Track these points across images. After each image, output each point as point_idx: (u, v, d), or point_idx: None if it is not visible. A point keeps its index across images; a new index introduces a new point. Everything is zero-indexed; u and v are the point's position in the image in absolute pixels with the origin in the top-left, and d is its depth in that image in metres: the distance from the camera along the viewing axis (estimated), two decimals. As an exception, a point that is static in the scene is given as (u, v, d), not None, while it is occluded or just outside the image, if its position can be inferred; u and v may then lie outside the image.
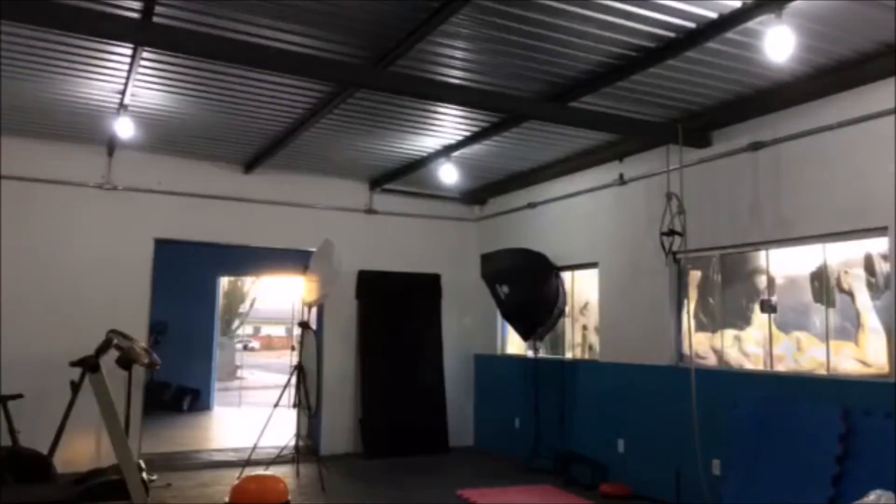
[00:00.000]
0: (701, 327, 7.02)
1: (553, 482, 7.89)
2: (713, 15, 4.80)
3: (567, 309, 8.76)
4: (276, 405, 7.96)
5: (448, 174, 8.45)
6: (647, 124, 6.89)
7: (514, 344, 9.82)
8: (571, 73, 5.90)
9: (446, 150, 8.18)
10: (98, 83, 6.33)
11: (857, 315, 5.73)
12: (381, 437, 9.23)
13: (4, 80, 6.21)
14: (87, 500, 5.26)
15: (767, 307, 6.41)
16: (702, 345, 6.98)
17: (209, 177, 8.98)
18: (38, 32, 5.25)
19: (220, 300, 17.35)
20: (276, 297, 30.29)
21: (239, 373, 23.87)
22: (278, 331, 41.09)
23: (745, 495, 5.73)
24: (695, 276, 7.15)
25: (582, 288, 8.89)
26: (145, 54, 5.65)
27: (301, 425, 9.35)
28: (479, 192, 10.42)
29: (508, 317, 9.04)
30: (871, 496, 4.53)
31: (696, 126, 6.82)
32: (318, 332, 9.42)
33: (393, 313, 9.71)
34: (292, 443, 8.35)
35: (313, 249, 9.73)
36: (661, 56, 5.38)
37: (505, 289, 8.73)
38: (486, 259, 9.37)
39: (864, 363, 5.66)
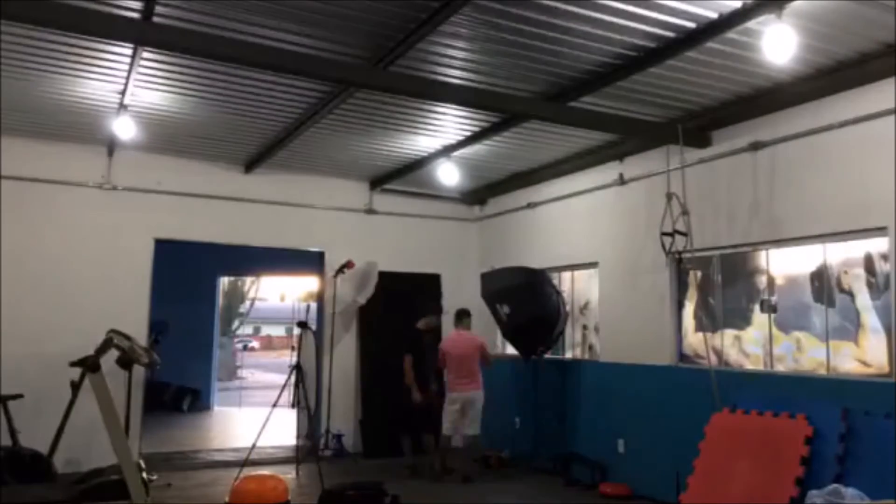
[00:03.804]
0: (701, 327, 7.01)
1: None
2: (713, 15, 4.81)
3: (567, 308, 8.73)
4: (274, 405, 7.96)
5: (448, 174, 8.45)
6: (647, 124, 6.89)
7: (514, 344, 9.80)
8: (571, 73, 5.90)
9: (446, 150, 8.18)
10: (98, 83, 6.33)
11: (857, 315, 5.73)
12: (381, 437, 9.23)
13: (4, 80, 6.21)
14: (87, 500, 5.26)
15: (767, 307, 6.42)
16: (701, 344, 6.98)
17: (209, 177, 8.98)
18: (38, 32, 5.25)
19: (220, 300, 17.35)
20: (276, 296, 30.35)
21: (239, 372, 23.87)
22: (278, 331, 41.09)
23: (745, 495, 5.73)
24: (695, 276, 7.15)
25: (582, 288, 8.89)
26: (145, 54, 5.66)
27: (301, 425, 9.37)
28: (479, 192, 10.42)
29: (510, 337, 8.83)
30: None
31: (696, 126, 6.82)
32: (318, 333, 9.43)
33: (393, 313, 9.70)
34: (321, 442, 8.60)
35: (313, 249, 9.77)
36: (661, 56, 5.38)
37: (506, 309, 8.44)
38: (486, 278, 9.15)
39: (864, 363, 5.66)
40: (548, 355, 8.70)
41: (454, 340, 8.32)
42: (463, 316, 8.46)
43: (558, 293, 8.59)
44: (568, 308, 8.76)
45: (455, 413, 8.00)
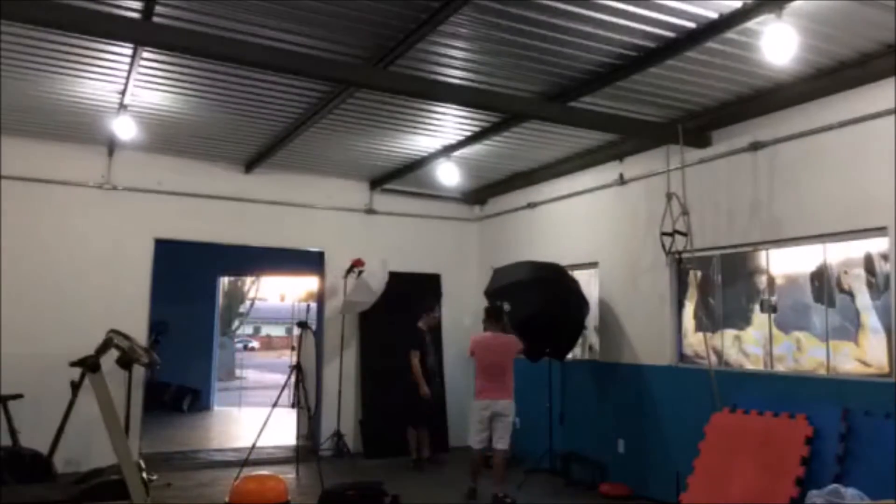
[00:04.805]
0: (701, 327, 7.02)
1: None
2: (713, 15, 4.81)
3: (587, 311, 8.20)
4: (274, 405, 7.96)
5: (448, 174, 8.45)
6: (647, 124, 6.89)
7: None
8: (571, 73, 5.90)
9: (446, 150, 8.18)
10: (98, 83, 6.33)
11: (857, 315, 5.73)
12: (381, 438, 9.23)
13: (4, 80, 6.21)
14: (87, 500, 5.26)
15: (767, 307, 6.42)
16: (701, 344, 6.98)
17: (209, 177, 8.98)
18: (38, 32, 5.25)
19: (220, 300, 17.35)
20: (276, 296, 30.34)
21: (238, 372, 23.85)
22: (278, 331, 41.13)
23: (745, 495, 5.73)
24: (695, 276, 7.15)
25: (582, 288, 8.86)
26: (145, 54, 5.66)
27: (301, 425, 9.37)
28: (479, 192, 10.42)
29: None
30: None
31: (696, 126, 6.82)
32: (318, 333, 9.43)
33: (393, 313, 9.70)
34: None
35: (313, 249, 9.77)
36: (661, 56, 5.38)
37: (506, 306, 7.75)
38: (497, 273, 8.60)
39: (864, 363, 5.66)
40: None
41: (485, 342, 7.46)
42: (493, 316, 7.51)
43: (575, 293, 8.05)
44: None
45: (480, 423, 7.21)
